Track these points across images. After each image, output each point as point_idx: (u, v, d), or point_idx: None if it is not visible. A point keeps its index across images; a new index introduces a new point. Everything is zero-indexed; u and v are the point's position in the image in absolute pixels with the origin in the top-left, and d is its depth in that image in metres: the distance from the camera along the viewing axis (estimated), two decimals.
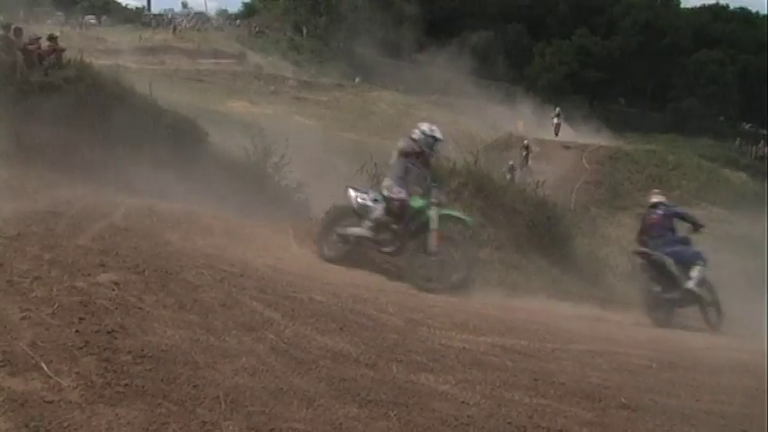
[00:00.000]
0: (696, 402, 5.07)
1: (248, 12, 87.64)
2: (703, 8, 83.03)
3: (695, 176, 36.68)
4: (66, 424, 3.28)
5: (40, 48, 17.43)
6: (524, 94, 65.48)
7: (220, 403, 3.72)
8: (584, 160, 37.26)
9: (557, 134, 44.63)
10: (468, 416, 4.10)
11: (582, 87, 70.39)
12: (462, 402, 4.33)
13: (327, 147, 27.67)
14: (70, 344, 4.12)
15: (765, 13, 76.38)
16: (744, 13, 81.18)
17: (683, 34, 73.85)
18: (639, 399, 4.90)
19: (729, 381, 5.84)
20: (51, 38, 18.51)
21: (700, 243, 11.27)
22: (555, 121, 46.04)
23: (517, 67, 72.17)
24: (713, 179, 37.66)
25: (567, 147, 40.00)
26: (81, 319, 4.52)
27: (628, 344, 7.17)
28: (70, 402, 3.47)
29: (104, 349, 4.13)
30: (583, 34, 73.93)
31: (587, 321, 9.11)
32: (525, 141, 37.69)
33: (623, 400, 4.80)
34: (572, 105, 60.70)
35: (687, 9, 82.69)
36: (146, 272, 5.83)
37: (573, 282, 11.68)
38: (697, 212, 11.61)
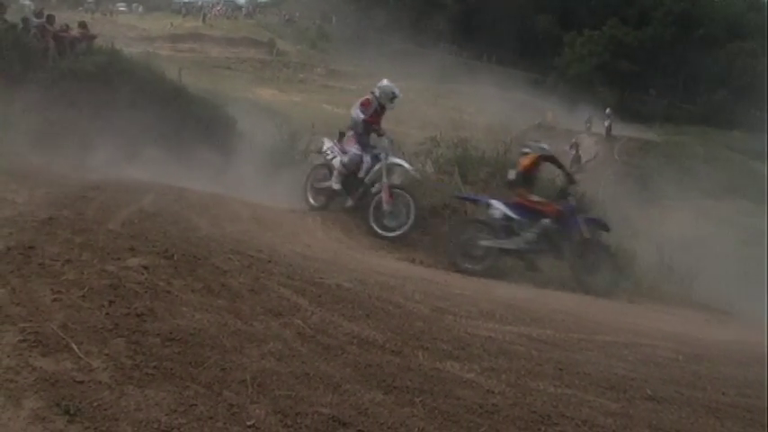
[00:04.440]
0: (722, 396, 5.03)
1: (278, 0, 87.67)
2: None
3: (725, 169, 36.29)
4: (95, 404, 3.33)
5: (71, 34, 17.60)
6: (554, 84, 65.04)
7: (247, 387, 3.76)
8: (615, 152, 37.02)
9: (608, 134, 44.09)
10: (493, 404, 4.11)
11: (613, 78, 69.69)
12: (487, 391, 4.34)
13: None
14: (100, 326, 4.18)
15: None
16: None
17: (717, 25, 72.85)
18: (665, 391, 4.87)
19: (756, 374, 5.78)
20: (82, 25, 18.69)
21: (730, 237, 11.17)
22: (607, 123, 45.13)
23: (548, 58, 71.61)
24: (743, 172, 37.24)
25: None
26: (111, 302, 4.58)
27: (654, 336, 7.12)
28: (100, 383, 3.52)
29: (134, 332, 4.19)
30: (614, 25, 73.00)
31: (613, 312, 9.07)
32: (573, 140, 37.35)
33: (649, 391, 4.77)
34: (602, 96, 60.22)
35: (721, 0, 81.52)
36: (174, 256, 5.87)
37: (600, 272, 11.58)
38: (727, 205, 11.44)
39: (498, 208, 10.57)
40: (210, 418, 3.39)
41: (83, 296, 4.60)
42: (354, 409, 3.74)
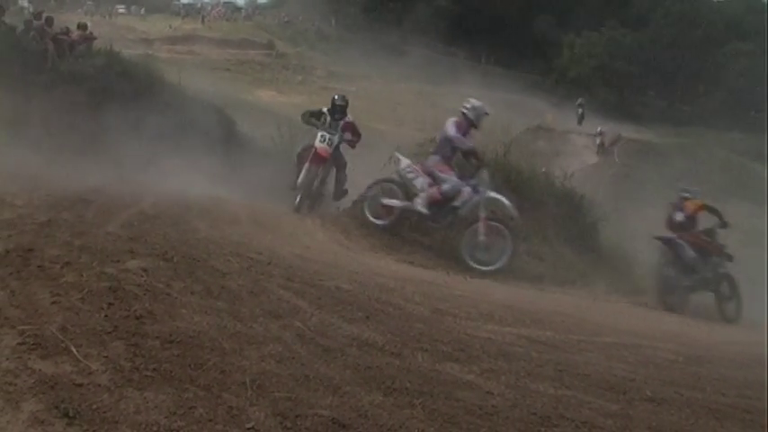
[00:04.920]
0: (722, 397, 5.04)
1: (277, 1, 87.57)
2: None
3: (725, 171, 36.23)
4: (94, 406, 3.32)
5: (71, 37, 17.59)
6: (553, 86, 65.00)
7: (247, 389, 3.75)
8: (615, 154, 37.09)
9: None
10: (493, 405, 4.10)
11: (611, 80, 69.60)
12: (487, 392, 4.33)
13: None
14: (99, 328, 4.18)
15: None
16: None
17: (716, 27, 72.76)
18: (665, 392, 4.87)
19: (756, 376, 5.79)
20: (82, 26, 18.68)
21: (729, 237, 11.38)
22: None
23: (546, 60, 71.47)
24: (743, 173, 37.22)
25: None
26: (110, 304, 4.57)
27: (654, 337, 7.13)
28: (99, 385, 3.51)
29: (133, 334, 4.18)
30: (613, 26, 72.88)
31: (613, 314, 9.07)
32: (599, 128, 38.71)
33: (649, 393, 4.77)
34: (601, 98, 60.25)
35: (720, 1, 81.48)
36: (174, 259, 5.87)
37: (599, 274, 11.62)
38: (727, 207, 11.72)
39: (688, 248, 11.30)
40: (210, 420, 3.38)
41: (82, 298, 4.59)
42: (354, 410, 3.73)
